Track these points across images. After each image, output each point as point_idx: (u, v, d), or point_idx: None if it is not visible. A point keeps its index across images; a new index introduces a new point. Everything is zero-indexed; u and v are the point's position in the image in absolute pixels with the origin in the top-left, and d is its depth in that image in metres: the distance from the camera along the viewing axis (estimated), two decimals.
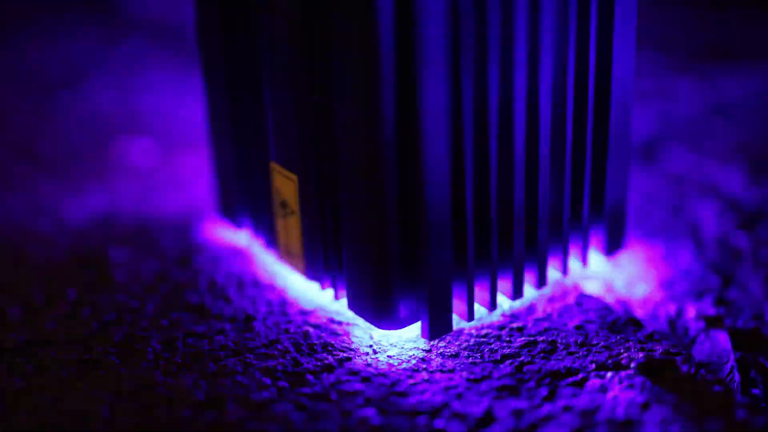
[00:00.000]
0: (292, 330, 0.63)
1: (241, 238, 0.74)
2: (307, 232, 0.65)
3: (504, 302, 0.65)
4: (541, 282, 0.66)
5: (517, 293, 0.64)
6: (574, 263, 0.69)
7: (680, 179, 0.84)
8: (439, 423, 0.55)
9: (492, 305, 0.63)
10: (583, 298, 0.66)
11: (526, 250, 0.65)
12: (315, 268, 0.66)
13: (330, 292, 0.66)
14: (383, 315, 0.61)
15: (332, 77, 0.57)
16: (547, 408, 0.56)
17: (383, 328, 0.61)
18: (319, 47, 0.59)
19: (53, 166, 0.89)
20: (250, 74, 0.66)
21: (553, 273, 0.68)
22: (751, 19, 1.25)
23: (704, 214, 0.78)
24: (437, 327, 0.61)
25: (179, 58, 1.16)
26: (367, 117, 0.56)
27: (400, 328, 0.61)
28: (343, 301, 0.65)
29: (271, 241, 0.70)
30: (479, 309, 0.64)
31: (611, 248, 0.70)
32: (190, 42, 1.19)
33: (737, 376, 0.60)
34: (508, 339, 0.62)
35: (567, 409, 0.56)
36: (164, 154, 0.91)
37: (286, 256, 0.68)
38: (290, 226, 0.66)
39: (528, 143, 0.62)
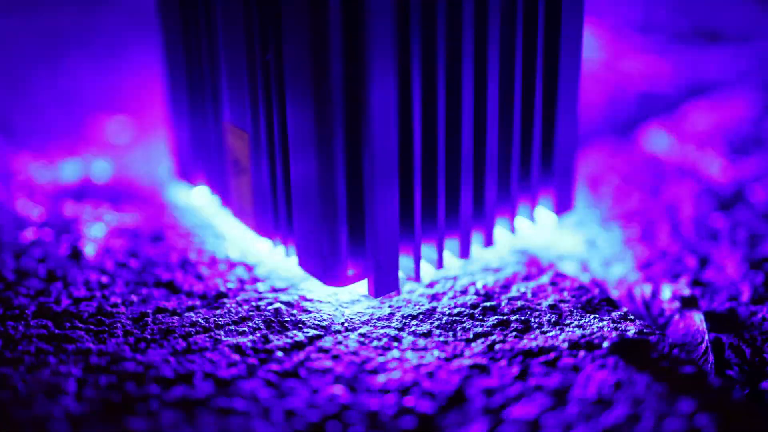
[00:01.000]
0: (263, 307, 0.63)
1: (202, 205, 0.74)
2: (258, 190, 0.65)
3: (479, 283, 0.65)
4: (488, 241, 0.66)
5: (464, 253, 0.65)
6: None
7: (658, 160, 0.84)
8: (408, 401, 0.54)
9: (439, 263, 0.64)
10: (557, 278, 0.66)
11: (475, 210, 0.65)
12: (266, 225, 0.66)
13: (287, 256, 0.66)
14: (331, 272, 0.61)
15: (283, 34, 0.57)
16: (518, 387, 0.55)
17: (331, 285, 0.62)
18: (271, 3, 0.59)
19: (28, 142, 0.88)
20: (205, 35, 0.66)
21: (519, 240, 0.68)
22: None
23: (681, 195, 0.77)
24: (383, 284, 0.61)
25: (158, 36, 1.15)
26: (315, 74, 0.56)
27: (347, 285, 0.62)
28: (315, 282, 0.65)
29: (226, 199, 0.70)
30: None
31: (561, 208, 0.70)
32: None
33: (711, 357, 0.59)
34: (480, 318, 0.62)
35: (538, 388, 0.55)
36: (140, 132, 0.90)
37: (239, 213, 0.69)
38: (243, 184, 0.67)
39: (476, 102, 0.62)
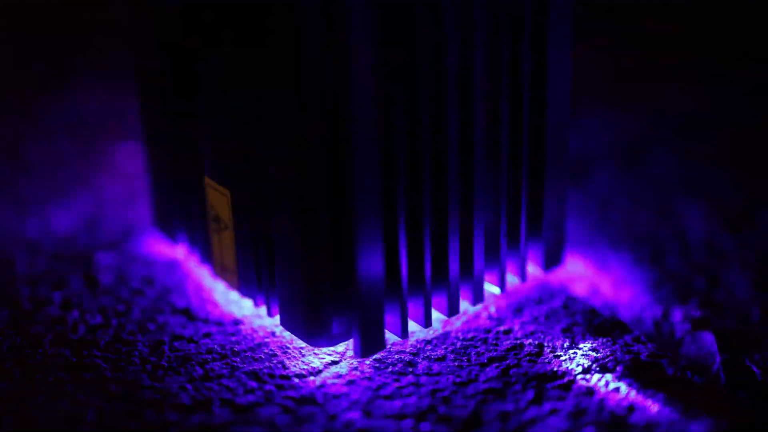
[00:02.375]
0: (278, 333, 0.63)
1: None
2: (241, 248, 0.64)
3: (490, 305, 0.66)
4: (477, 299, 0.65)
5: (452, 311, 0.64)
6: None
7: (666, 182, 0.84)
8: (425, 426, 0.55)
9: (427, 323, 0.63)
10: (569, 301, 0.66)
11: (463, 267, 0.64)
12: (249, 285, 0.65)
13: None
14: (315, 332, 0.60)
15: (266, 92, 0.56)
16: (533, 411, 0.56)
17: (315, 345, 0.60)
18: (252, 60, 0.58)
19: (39, 170, 0.88)
20: (185, 88, 0.65)
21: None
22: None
23: (690, 216, 0.78)
24: (369, 344, 0.60)
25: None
26: (298, 132, 0.55)
27: (332, 345, 0.61)
28: None
29: (206, 256, 0.69)
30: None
31: (550, 263, 0.69)
32: None
33: (723, 379, 0.60)
34: (494, 342, 0.62)
35: (553, 412, 0.56)
36: None
37: (220, 271, 0.67)
38: (224, 241, 0.66)
39: (462, 158, 0.61)
